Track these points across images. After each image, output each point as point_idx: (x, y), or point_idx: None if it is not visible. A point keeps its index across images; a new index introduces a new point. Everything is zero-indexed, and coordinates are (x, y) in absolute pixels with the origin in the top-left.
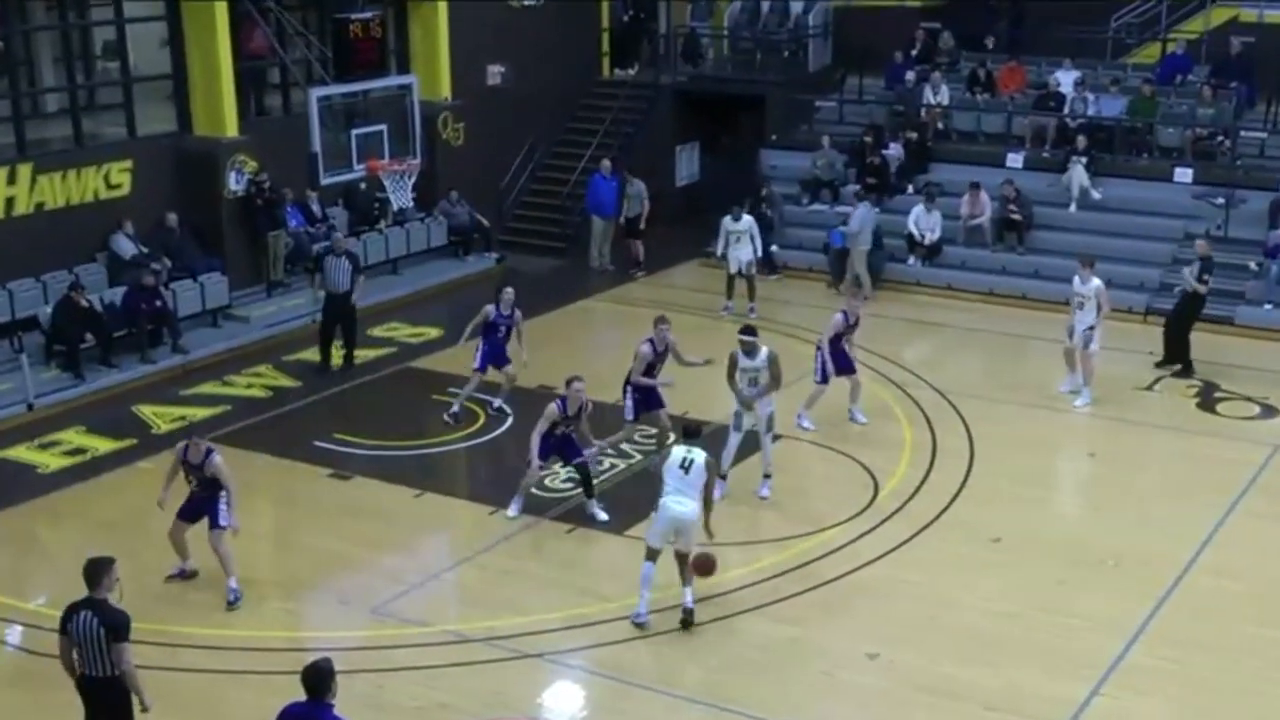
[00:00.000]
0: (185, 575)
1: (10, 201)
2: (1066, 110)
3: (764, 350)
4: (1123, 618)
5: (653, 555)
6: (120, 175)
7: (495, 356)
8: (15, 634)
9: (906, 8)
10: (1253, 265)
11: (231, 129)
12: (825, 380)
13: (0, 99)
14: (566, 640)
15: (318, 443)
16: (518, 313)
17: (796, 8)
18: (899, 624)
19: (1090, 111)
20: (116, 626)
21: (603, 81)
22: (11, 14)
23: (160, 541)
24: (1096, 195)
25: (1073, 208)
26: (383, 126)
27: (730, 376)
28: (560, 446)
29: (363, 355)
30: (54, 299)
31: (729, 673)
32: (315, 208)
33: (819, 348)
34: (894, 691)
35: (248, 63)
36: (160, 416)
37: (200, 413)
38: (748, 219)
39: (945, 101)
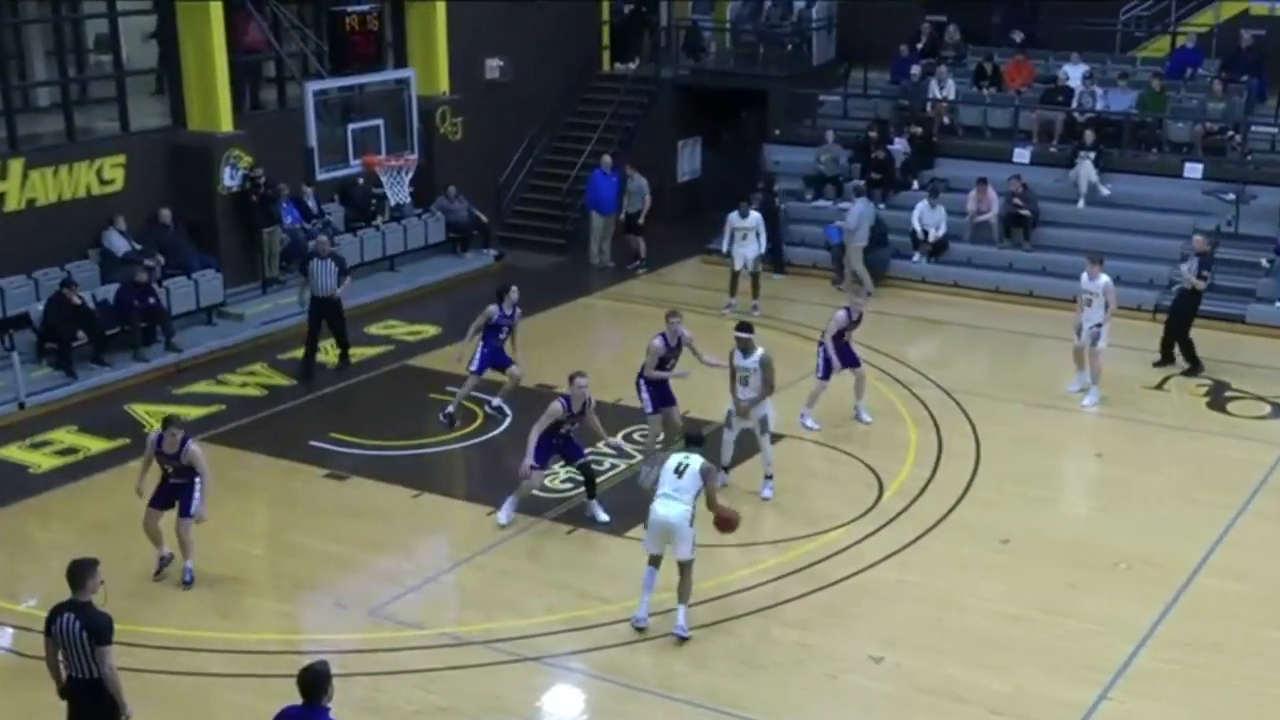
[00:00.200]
0: (164, 562)
1: (1, 197)
2: (1074, 105)
3: (758, 351)
4: (1131, 620)
5: (654, 560)
6: (113, 170)
7: (495, 358)
8: (6, 636)
9: (912, 1)
10: (1264, 262)
11: (226, 123)
12: (827, 377)
13: None
14: (566, 643)
15: (313, 442)
16: (518, 311)
17: (800, 1)
18: (904, 626)
19: (1099, 106)
20: (98, 629)
21: (603, 75)
22: (2, 7)
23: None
24: (1105, 191)
25: (1081, 204)
26: (380, 121)
27: (732, 379)
28: (562, 448)
29: (359, 353)
30: (46, 296)
31: (731, 676)
32: (311, 203)
33: (821, 344)
34: (898, 695)
35: (243, 56)
36: (153, 416)
37: (194, 412)
38: (755, 215)
39: (951, 96)
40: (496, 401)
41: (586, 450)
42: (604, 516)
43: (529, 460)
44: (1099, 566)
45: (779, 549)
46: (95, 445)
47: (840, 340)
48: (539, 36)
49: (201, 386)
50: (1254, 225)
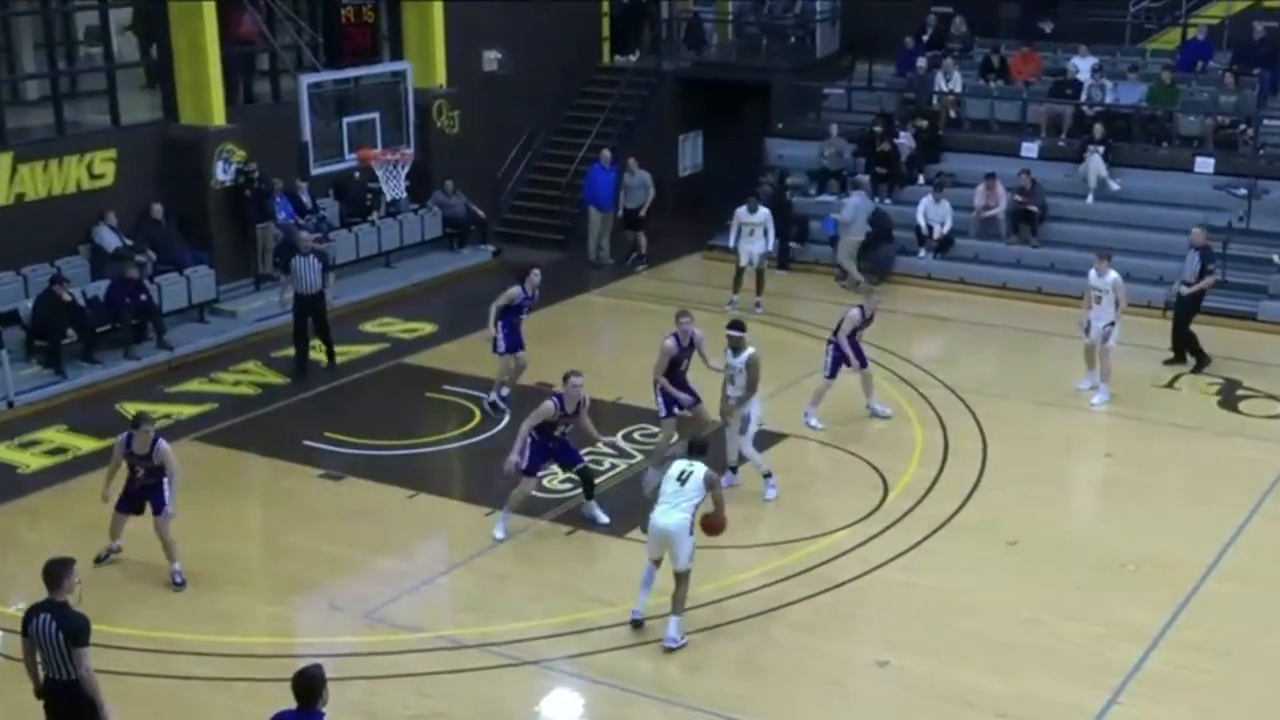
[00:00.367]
0: (112, 552)
1: None
2: (1083, 98)
3: (747, 351)
4: (1141, 624)
5: (655, 561)
6: (104, 165)
7: (515, 339)
8: None
9: None
10: (1276, 259)
11: (219, 117)
12: (834, 375)
13: None
14: (565, 646)
15: (308, 442)
16: (536, 295)
17: None
18: (910, 630)
19: (1108, 99)
20: (75, 631)
21: (603, 68)
22: None
23: (144, 544)
24: (1114, 186)
25: (1090, 199)
26: (375, 114)
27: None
28: (558, 451)
29: (355, 351)
30: (35, 293)
31: (734, 680)
32: (305, 198)
33: (831, 343)
34: (905, 700)
35: (236, 48)
36: None
37: (186, 411)
38: (764, 211)
39: (958, 89)
40: (492, 397)
41: (584, 453)
42: (603, 518)
43: (515, 455)
44: (1108, 568)
45: (782, 550)
46: (85, 445)
47: (853, 339)
48: (538, 28)
49: (194, 385)
50: (1266, 221)
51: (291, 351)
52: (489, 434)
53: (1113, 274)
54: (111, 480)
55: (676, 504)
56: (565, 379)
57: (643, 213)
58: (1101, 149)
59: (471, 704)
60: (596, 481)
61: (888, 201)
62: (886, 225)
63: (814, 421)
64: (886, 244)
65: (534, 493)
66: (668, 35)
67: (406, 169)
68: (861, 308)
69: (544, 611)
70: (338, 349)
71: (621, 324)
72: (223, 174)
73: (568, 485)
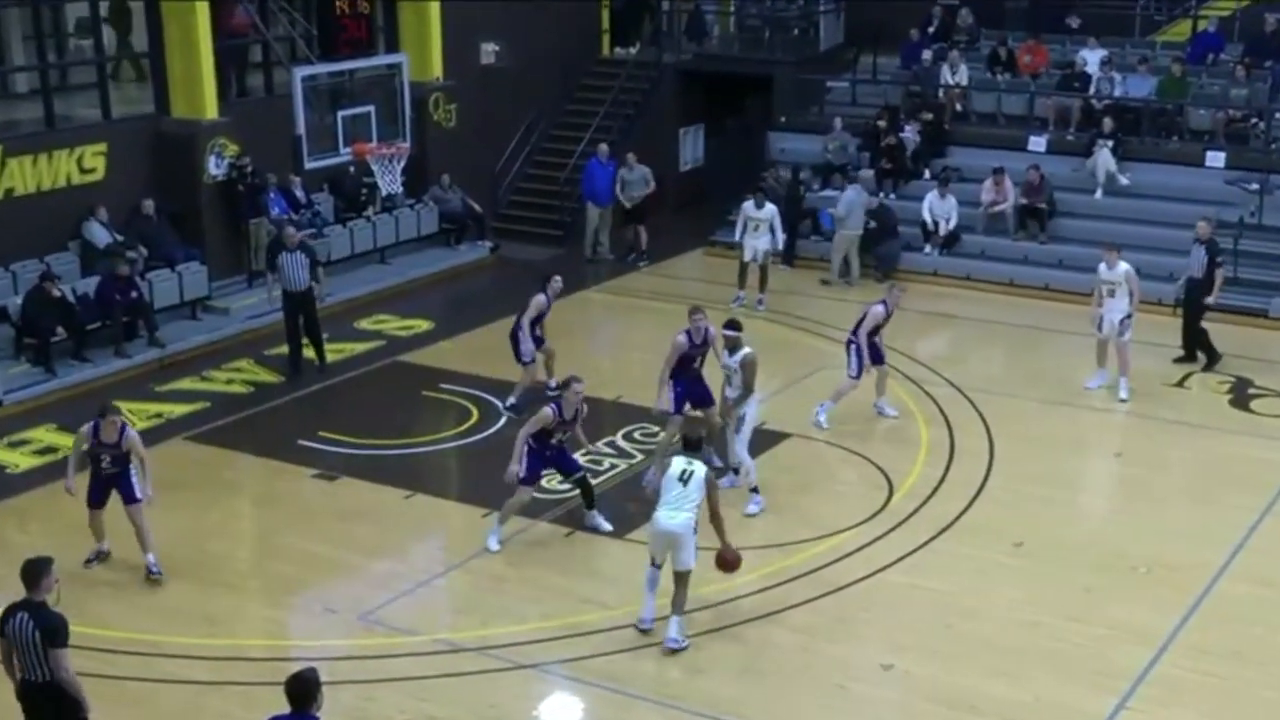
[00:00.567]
0: (100, 556)
1: None
2: (1092, 91)
3: (743, 350)
4: (1151, 626)
5: (658, 563)
6: (94, 159)
7: (538, 343)
8: None
9: None
10: None
11: (211, 111)
12: (859, 375)
13: None
14: (564, 650)
15: (302, 441)
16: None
17: None
18: (915, 633)
19: (1117, 92)
20: (52, 631)
21: (603, 61)
22: None
23: (134, 547)
24: (1124, 180)
25: (1098, 194)
26: (370, 108)
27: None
28: (555, 460)
29: (350, 349)
30: (24, 289)
31: (735, 684)
32: (299, 193)
33: (852, 341)
34: (909, 704)
35: (228, 41)
36: (135, 413)
37: (178, 409)
38: (771, 207)
39: (964, 82)
40: (511, 401)
41: (582, 453)
42: (606, 526)
43: (515, 465)
44: (1117, 570)
45: (784, 552)
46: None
47: (874, 337)
48: (536, 20)
49: (185, 383)
50: (1278, 216)
51: (285, 349)
52: (487, 434)
53: (1124, 265)
54: (74, 473)
55: (680, 505)
56: (566, 384)
57: (638, 199)
58: (1110, 143)
59: (469, 708)
60: (595, 482)
61: (892, 196)
62: (891, 221)
63: (823, 420)
64: (892, 240)
65: (534, 494)
66: (668, 27)
67: (402, 163)
68: (884, 303)
69: (542, 614)
70: (332, 346)
71: (621, 321)
72: (215, 168)
73: (568, 486)
